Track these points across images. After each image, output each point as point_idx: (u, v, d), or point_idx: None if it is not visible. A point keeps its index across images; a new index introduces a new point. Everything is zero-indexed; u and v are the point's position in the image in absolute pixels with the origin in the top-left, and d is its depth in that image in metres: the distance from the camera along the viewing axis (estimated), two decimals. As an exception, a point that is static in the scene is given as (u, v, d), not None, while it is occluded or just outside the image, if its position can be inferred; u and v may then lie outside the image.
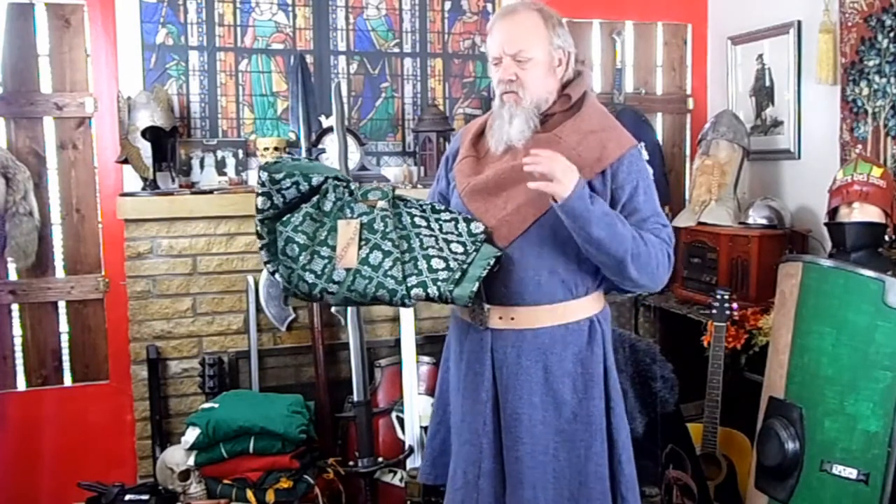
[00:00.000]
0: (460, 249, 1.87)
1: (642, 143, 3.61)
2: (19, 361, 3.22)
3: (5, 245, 3.04)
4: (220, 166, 3.30)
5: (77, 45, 3.20)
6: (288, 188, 1.88)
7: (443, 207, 1.95)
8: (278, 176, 1.87)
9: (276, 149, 3.19)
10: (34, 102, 3.16)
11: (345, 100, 3.43)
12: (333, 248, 1.87)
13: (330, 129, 3.29)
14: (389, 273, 1.83)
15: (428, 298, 1.83)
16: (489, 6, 3.64)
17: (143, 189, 3.09)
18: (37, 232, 3.10)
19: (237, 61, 3.37)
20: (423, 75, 3.61)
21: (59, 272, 3.24)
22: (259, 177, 1.89)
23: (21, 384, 3.23)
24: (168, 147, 3.14)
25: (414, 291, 1.82)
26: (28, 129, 3.17)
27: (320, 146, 3.30)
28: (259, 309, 3.17)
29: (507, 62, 1.91)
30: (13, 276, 3.19)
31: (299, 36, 3.44)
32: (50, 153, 3.20)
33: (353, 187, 1.92)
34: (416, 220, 1.91)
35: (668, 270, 1.92)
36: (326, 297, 1.87)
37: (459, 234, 1.89)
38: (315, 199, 1.89)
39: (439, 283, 1.82)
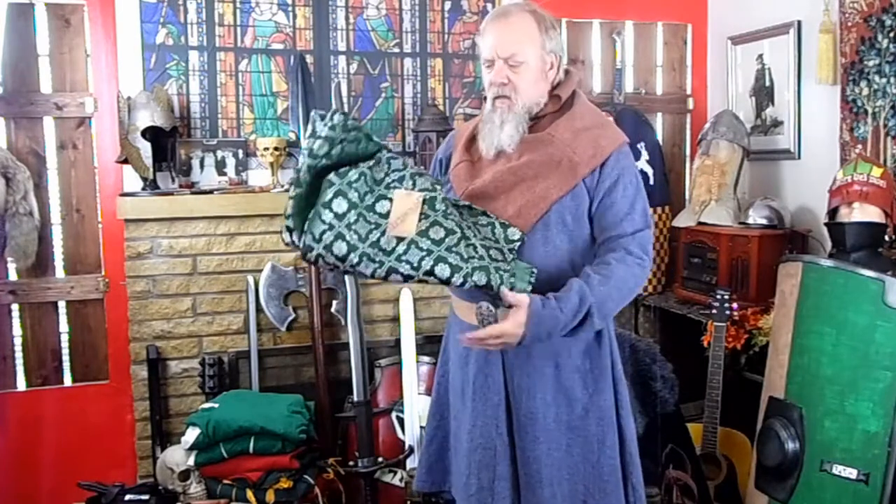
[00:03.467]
0: (500, 256, 1.82)
1: (642, 143, 3.62)
2: (19, 361, 3.22)
3: (5, 245, 3.04)
4: (220, 166, 3.30)
5: (77, 45, 3.20)
6: (352, 140, 1.77)
7: (481, 210, 1.88)
8: (352, 123, 1.76)
9: (276, 149, 3.19)
10: (34, 102, 3.16)
11: (345, 100, 3.43)
12: (381, 216, 1.77)
13: (330, 129, 3.29)
14: (454, 249, 1.74)
15: (486, 286, 1.76)
16: (489, 6, 3.64)
17: (143, 189, 3.09)
18: (37, 232, 3.10)
19: (237, 61, 3.37)
20: (423, 75, 3.61)
21: (59, 272, 3.24)
22: (330, 119, 1.75)
23: (21, 384, 3.23)
24: (168, 147, 3.14)
25: (476, 275, 1.74)
26: (28, 129, 3.17)
27: (320, 146, 3.29)
28: (259, 309, 3.17)
29: (499, 65, 1.89)
30: (13, 276, 3.19)
31: (299, 36, 3.44)
32: (50, 153, 3.20)
33: (408, 164, 1.84)
34: (464, 213, 1.85)
35: (641, 281, 1.89)
36: (364, 263, 1.75)
37: (496, 241, 1.84)
38: (370, 162, 1.79)
39: (502, 273, 1.76)
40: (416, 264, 1.75)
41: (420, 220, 1.76)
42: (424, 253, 1.75)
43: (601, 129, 1.93)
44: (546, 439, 1.90)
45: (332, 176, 1.77)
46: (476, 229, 1.83)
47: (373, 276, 1.78)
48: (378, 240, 1.75)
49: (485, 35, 1.93)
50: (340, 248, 1.74)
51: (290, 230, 1.79)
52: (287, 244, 1.83)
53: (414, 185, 1.81)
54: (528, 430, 1.91)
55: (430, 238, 1.76)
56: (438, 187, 1.83)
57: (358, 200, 1.76)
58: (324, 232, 1.74)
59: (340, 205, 1.75)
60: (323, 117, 1.79)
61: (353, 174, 1.77)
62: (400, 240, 1.75)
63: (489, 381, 1.94)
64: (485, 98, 2.00)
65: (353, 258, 1.75)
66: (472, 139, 2.02)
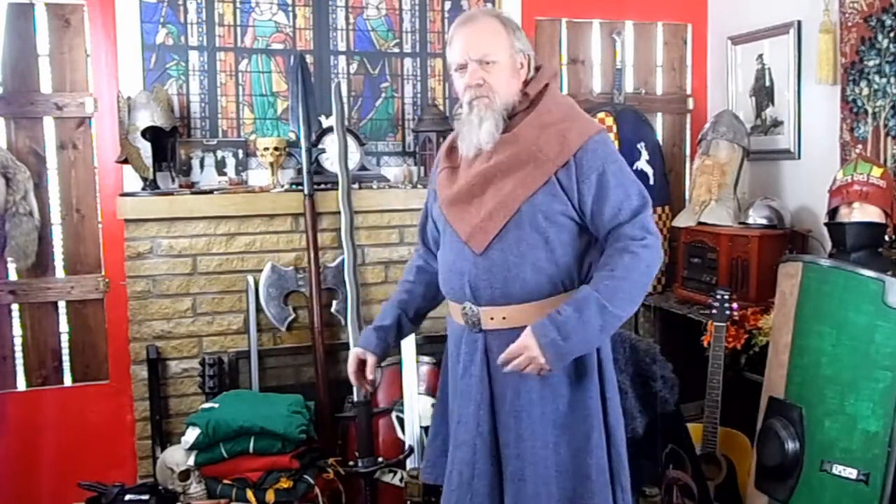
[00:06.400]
0: None
1: (642, 143, 3.61)
2: (19, 361, 3.22)
3: (5, 245, 3.04)
4: (220, 166, 3.30)
5: (77, 45, 3.20)
6: None
7: None
8: None
9: (276, 149, 3.19)
10: (34, 102, 3.16)
11: (345, 100, 3.43)
12: None
13: (330, 129, 3.29)
14: None
15: None
16: (489, 6, 3.64)
17: (143, 189, 3.09)
18: (37, 232, 3.10)
19: (237, 61, 3.37)
20: (423, 75, 3.61)
21: (59, 272, 3.24)
22: None
23: (21, 384, 3.23)
24: (168, 147, 3.14)
25: None
26: (28, 129, 3.17)
27: (320, 146, 3.30)
28: (259, 309, 3.17)
29: (472, 67, 1.93)
30: (13, 276, 3.19)
31: (299, 36, 3.44)
32: (50, 153, 3.20)
33: None
34: None
35: (652, 261, 1.88)
36: None
37: None
38: None
39: None
40: None
41: None
42: None
43: (570, 123, 1.92)
44: (531, 437, 1.91)
45: None
46: None
47: None
48: None
49: (454, 41, 1.97)
50: None
51: None
52: None
53: None
54: (513, 428, 1.92)
55: None
56: None
57: None
58: None
59: None
60: None
61: None
62: None
63: (472, 381, 1.97)
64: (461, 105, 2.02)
65: None
66: (453, 148, 2.06)
